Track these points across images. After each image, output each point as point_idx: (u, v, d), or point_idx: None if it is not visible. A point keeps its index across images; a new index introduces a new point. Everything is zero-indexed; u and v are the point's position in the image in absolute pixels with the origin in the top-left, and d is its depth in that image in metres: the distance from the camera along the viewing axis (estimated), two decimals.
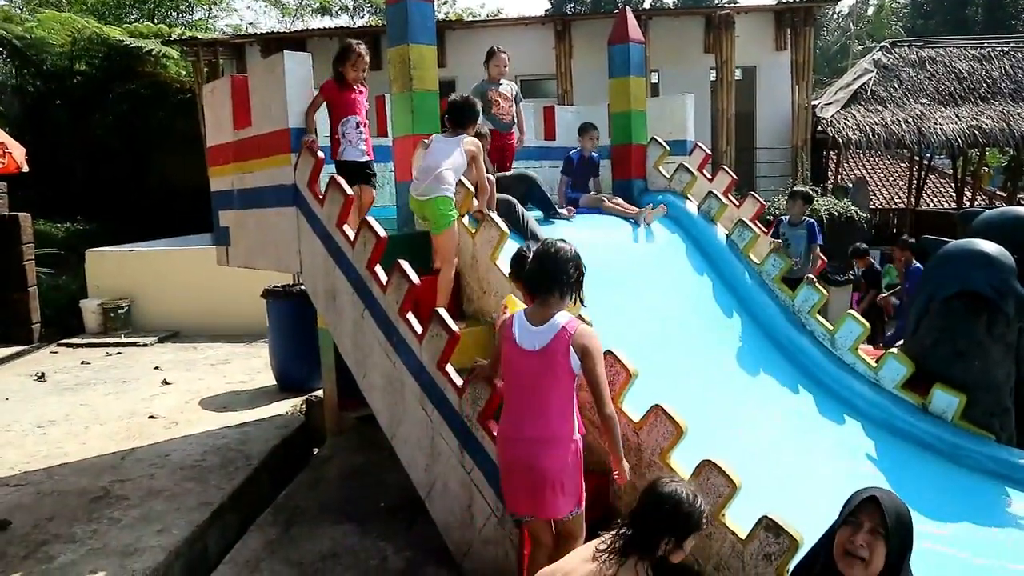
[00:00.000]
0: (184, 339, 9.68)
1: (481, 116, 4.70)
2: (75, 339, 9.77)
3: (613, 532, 2.38)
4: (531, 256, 3.12)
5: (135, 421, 6.19)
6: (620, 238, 5.52)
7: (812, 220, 6.60)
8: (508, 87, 5.99)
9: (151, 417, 6.27)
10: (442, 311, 3.48)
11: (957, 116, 11.93)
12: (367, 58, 4.54)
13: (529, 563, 3.09)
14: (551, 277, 2.86)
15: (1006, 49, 13.43)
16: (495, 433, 3.13)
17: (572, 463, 2.91)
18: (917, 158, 14.53)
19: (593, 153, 6.11)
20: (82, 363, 8.48)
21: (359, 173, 4.45)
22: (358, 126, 4.49)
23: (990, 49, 13.46)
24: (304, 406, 6.50)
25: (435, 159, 4.14)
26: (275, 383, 7.16)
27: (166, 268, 10.11)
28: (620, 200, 5.90)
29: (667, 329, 4.97)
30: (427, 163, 4.17)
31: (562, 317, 2.85)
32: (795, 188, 6.99)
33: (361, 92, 4.56)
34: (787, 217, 6.61)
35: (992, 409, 4.84)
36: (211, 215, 5.51)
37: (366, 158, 4.54)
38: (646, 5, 41.25)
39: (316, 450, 5.94)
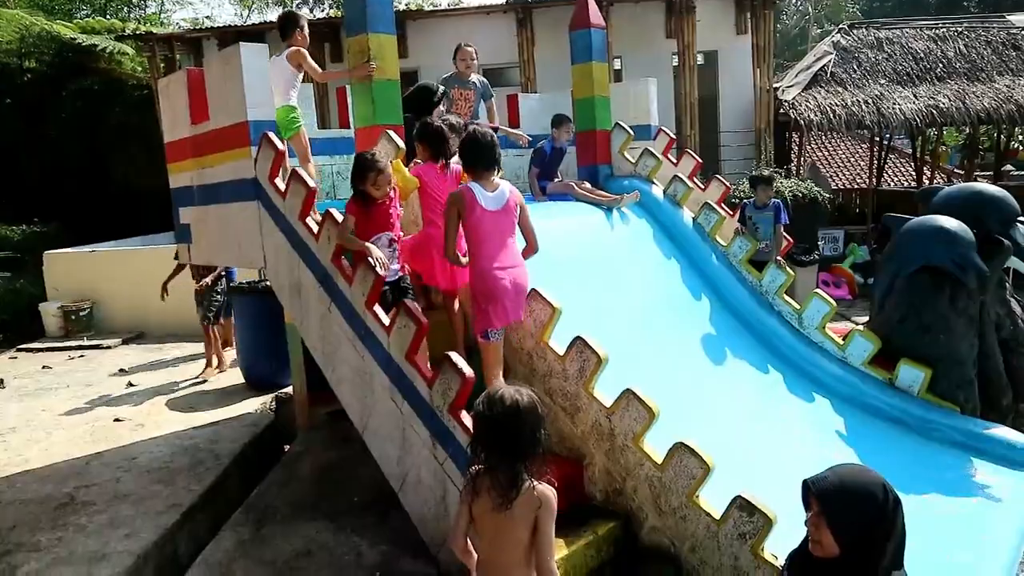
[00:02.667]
0: (149, 340, 9.50)
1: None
2: (35, 343, 9.56)
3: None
4: (459, 137, 3.96)
5: (100, 425, 6.06)
6: (591, 224, 5.51)
7: (778, 201, 6.64)
8: (476, 80, 5.95)
9: (116, 420, 6.15)
10: (409, 301, 3.44)
11: (915, 96, 12.08)
12: (390, 172, 3.82)
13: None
14: (492, 154, 3.66)
15: (960, 29, 13.62)
16: (463, 417, 3.25)
17: None
18: (877, 139, 14.70)
19: (564, 144, 6.07)
20: (43, 368, 8.29)
21: (396, 290, 3.85)
22: (391, 243, 3.85)
23: (944, 29, 13.65)
24: (273, 403, 6.42)
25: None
26: (243, 381, 7.06)
27: (128, 268, 9.91)
28: (589, 186, 5.89)
29: (637, 313, 4.97)
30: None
31: (504, 184, 3.71)
32: (753, 174, 7.03)
33: (391, 201, 3.88)
34: (752, 200, 6.65)
35: (957, 381, 4.92)
36: (172, 212, 5.40)
37: (400, 275, 3.93)
38: None
39: (287, 447, 5.86)
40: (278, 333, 6.12)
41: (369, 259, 3.58)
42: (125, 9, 20.58)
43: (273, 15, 23.92)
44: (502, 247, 3.64)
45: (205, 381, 7.34)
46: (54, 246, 10.98)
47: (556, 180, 5.99)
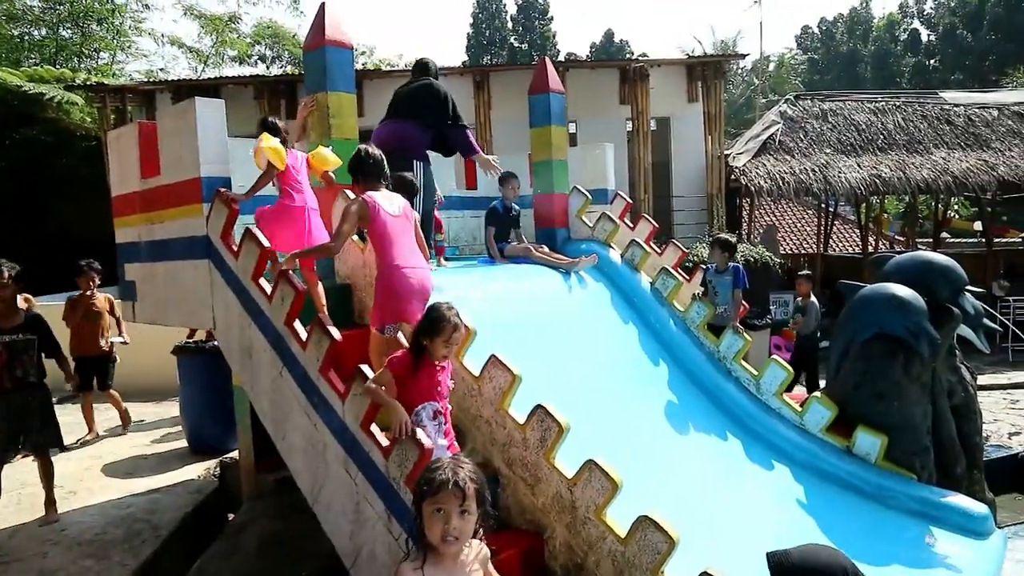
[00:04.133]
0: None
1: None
2: None
3: None
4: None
5: (27, 492, 5.67)
6: (549, 287, 5.47)
7: (738, 265, 6.70)
8: None
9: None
10: (365, 368, 3.31)
11: (858, 165, 12.55)
12: (464, 329, 3.47)
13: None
14: (381, 168, 4.00)
15: (898, 103, 14.31)
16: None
17: None
18: (824, 205, 15.18)
19: (514, 202, 6.08)
20: None
21: None
22: (436, 415, 3.33)
23: (884, 103, 14.31)
24: (218, 468, 6.13)
25: None
26: (187, 445, 6.75)
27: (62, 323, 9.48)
28: (547, 249, 5.87)
29: (596, 378, 4.91)
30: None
31: (396, 195, 4.02)
32: (716, 236, 7.10)
33: (444, 368, 3.39)
34: (713, 264, 6.70)
35: (912, 448, 4.95)
36: (117, 267, 5.20)
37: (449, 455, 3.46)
38: (561, 58, 42.45)
39: (231, 516, 5.58)
40: (225, 396, 5.89)
41: (405, 430, 3.11)
42: (76, 59, 20.30)
43: (229, 70, 23.93)
44: (408, 249, 3.85)
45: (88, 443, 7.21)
46: None
47: (513, 242, 5.97)
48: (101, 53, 21.25)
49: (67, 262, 13.63)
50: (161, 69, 23.27)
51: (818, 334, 8.65)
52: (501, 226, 6.01)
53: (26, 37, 20.59)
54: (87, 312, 7.09)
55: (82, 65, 19.97)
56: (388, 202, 3.87)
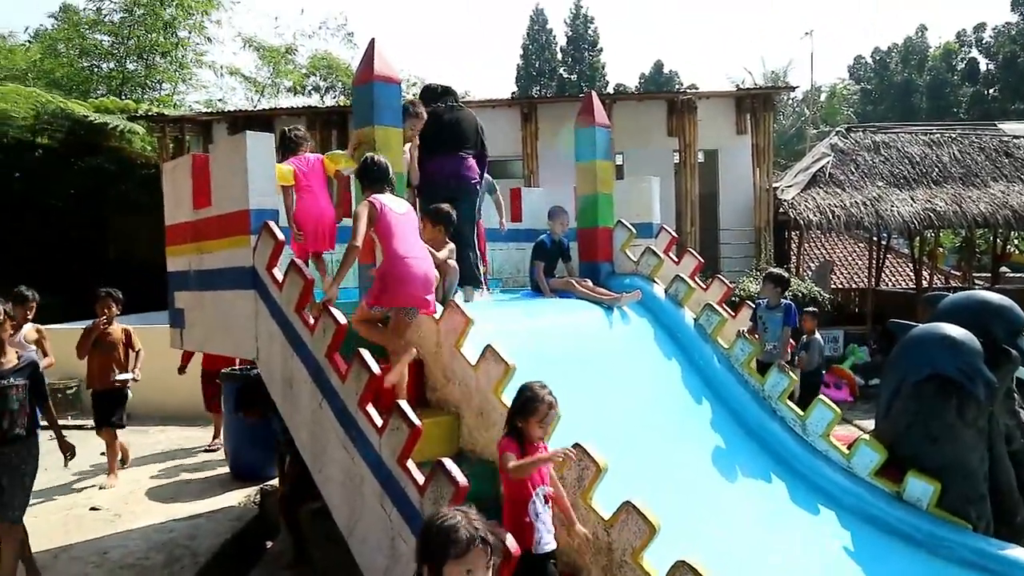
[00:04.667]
0: (135, 422, 9.20)
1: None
2: None
3: None
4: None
5: (73, 514, 5.81)
6: (591, 322, 5.43)
7: (789, 302, 6.57)
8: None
9: (92, 509, 5.91)
10: (403, 403, 3.31)
11: (912, 199, 12.26)
12: (557, 408, 3.35)
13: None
14: (387, 174, 4.27)
15: (953, 136, 13.97)
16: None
17: None
18: (875, 239, 14.84)
19: (563, 237, 6.07)
20: None
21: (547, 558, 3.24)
22: (546, 500, 3.24)
23: (939, 135, 13.98)
24: (258, 496, 6.19)
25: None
26: (228, 471, 6.83)
27: None
28: (590, 283, 5.84)
29: (638, 415, 4.84)
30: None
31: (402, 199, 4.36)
32: (769, 272, 6.97)
33: (543, 448, 3.31)
34: (764, 300, 6.58)
35: (968, 496, 4.74)
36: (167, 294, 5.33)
37: (554, 544, 3.27)
38: (610, 89, 42.68)
39: (270, 544, 5.62)
40: (266, 422, 5.95)
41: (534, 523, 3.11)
42: (140, 90, 21.12)
43: (284, 100, 24.60)
44: (411, 242, 4.07)
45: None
46: (46, 320, 10.84)
47: (559, 276, 5.96)
48: (163, 84, 22.09)
49: (125, 287, 14.10)
50: (220, 100, 24.05)
51: (822, 371, 8.64)
52: (548, 260, 6.00)
53: (95, 70, 21.54)
54: (101, 342, 6.81)
55: (145, 96, 20.78)
56: (394, 203, 4.13)
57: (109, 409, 6.80)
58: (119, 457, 6.99)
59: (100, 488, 6.62)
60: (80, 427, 8.92)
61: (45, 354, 6.29)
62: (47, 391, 4.87)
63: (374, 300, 3.96)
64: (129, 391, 7.01)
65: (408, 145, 5.22)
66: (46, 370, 5.53)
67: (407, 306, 3.93)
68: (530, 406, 3.14)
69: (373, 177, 4.24)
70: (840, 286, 17.23)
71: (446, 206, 4.87)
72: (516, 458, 3.13)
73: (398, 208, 4.12)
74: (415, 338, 4.25)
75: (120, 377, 6.80)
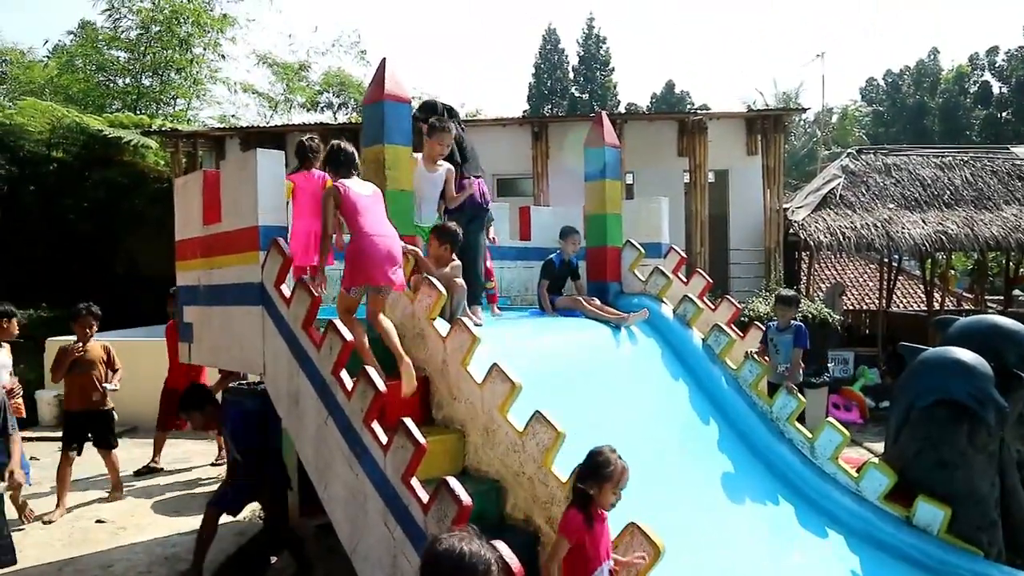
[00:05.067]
0: (143, 435, 9.29)
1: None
2: (27, 432, 9.33)
3: None
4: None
5: (79, 526, 5.81)
6: (598, 341, 5.43)
7: (800, 324, 6.54)
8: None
9: (98, 521, 5.91)
10: (408, 421, 3.30)
11: (923, 221, 12.20)
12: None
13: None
14: (353, 159, 4.37)
15: (965, 159, 13.90)
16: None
17: None
18: (886, 261, 14.77)
19: (573, 257, 6.08)
20: (31, 459, 8.05)
21: None
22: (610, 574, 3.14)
23: (951, 158, 13.92)
24: (263, 510, 6.16)
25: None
26: None
27: (128, 360, 9.72)
28: (598, 302, 5.84)
29: (644, 436, 4.81)
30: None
31: (369, 183, 4.40)
32: (779, 293, 6.93)
33: (605, 517, 3.19)
34: (775, 322, 6.55)
35: (979, 522, 4.69)
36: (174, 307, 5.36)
37: None
38: (621, 109, 42.83)
39: (274, 559, 5.58)
40: (274, 437, 5.94)
41: None
42: (155, 105, 21.34)
43: (297, 116, 24.79)
44: (377, 220, 4.17)
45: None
46: (58, 332, 10.92)
47: (566, 295, 5.96)
48: (178, 100, 22.30)
49: (133, 299, 14.19)
50: (233, 115, 24.23)
51: None
52: (555, 279, 6.01)
53: (111, 85, 21.81)
54: (79, 362, 6.46)
55: (160, 111, 20.98)
56: (359, 186, 4.26)
57: (99, 430, 6.54)
58: (118, 472, 6.80)
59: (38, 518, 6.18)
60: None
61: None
62: (7, 415, 4.63)
63: (348, 282, 4.10)
64: (114, 411, 6.79)
65: (444, 167, 5.28)
66: None
67: (376, 284, 4.05)
68: (604, 471, 3.03)
69: (339, 163, 4.37)
70: (851, 307, 17.13)
71: (453, 224, 4.89)
72: (580, 536, 2.96)
73: (364, 190, 4.24)
74: (422, 356, 4.25)
75: (108, 387, 6.60)
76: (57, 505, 6.24)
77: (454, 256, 4.84)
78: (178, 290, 6.72)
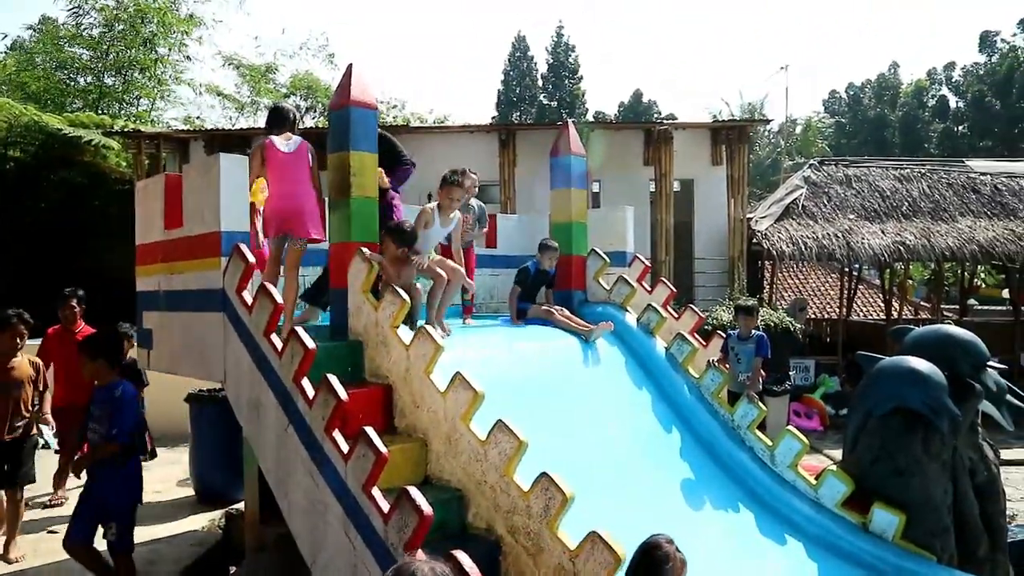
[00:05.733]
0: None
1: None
2: None
3: None
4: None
5: (30, 537, 5.66)
6: (563, 350, 5.45)
7: (761, 333, 6.64)
8: (475, 205, 6.60)
9: (50, 531, 5.76)
10: (370, 430, 3.29)
11: (883, 232, 12.46)
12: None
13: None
14: (287, 116, 5.05)
15: (923, 171, 14.25)
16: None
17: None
18: (847, 270, 15.05)
19: (550, 269, 6.06)
20: None
21: None
22: None
23: (909, 170, 14.26)
24: (223, 520, 6.08)
25: None
26: (193, 494, 6.72)
27: None
28: (568, 313, 5.86)
29: (606, 444, 4.84)
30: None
31: (297, 137, 4.85)
32: (739, 303, 7.03)
33: None
34: (736, 331, 6.64)
35: (933, 528, 4.78)
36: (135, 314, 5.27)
37: None
38: (589, 117, 43.08)
39: (233, 569, 5.51)
40: (235, 445, 5.87)
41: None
42: (117, 105, 20.94)
43: (263, 119, 24.49)
44: (292, 179, 4.65)
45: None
46: None
47: (538, 303, 5.96)
48: (141, 100, 21.91)
49: (97, 299, 13.87)
50: (198, 117, 23.90)
51: None
52: (528, 288, 5.99)
53: (72, 83, 21.36)
54: (1, 381, 5.41)
55: (122, 111, 20.59)
56: (285, 143, 4.73)
57: (13, 461, 5.45)
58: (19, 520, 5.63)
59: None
60: (46, 446, 8.73)
61: None
62: None
63: (266, 232, 4.64)
64: (38, 437, 5.90)
65: (456, 216, 5.41)
66: None
67: (292, 234, 4.57)
68: (660, 570, 2.72)
69: (271, 120, 4.94)
70: (812, 316, 17.42)
71: (409, 223, 4.85)
72: None
73: (287, 147, 4.71)
74: (386, 364, 4.23)
75: (22, 424, 5.50)
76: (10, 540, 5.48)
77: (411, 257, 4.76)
78: (74, 291, 6.60)
